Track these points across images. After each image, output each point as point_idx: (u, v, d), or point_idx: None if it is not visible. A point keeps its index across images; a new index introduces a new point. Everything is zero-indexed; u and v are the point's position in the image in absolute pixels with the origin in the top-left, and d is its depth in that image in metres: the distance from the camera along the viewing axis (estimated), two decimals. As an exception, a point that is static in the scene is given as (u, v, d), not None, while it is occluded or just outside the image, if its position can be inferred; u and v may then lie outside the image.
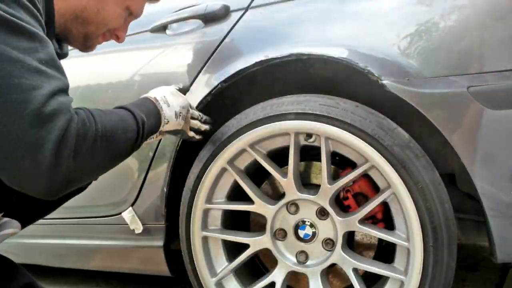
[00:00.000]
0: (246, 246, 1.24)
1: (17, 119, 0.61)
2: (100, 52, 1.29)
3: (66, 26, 0.94)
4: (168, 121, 1.03)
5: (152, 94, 1.04)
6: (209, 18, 1.31)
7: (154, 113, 0.98)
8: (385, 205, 1.14)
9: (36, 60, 0.65)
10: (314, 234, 1.19)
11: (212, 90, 1.24)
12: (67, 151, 0.65)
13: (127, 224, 1.43)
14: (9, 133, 0.61)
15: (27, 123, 0.61)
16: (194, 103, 1.27)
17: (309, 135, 1.15)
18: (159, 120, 1.00)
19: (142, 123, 0.88)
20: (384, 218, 1.21)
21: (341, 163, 1.31)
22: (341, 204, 1.21)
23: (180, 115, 1.08)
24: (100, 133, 0.72)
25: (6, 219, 0.89)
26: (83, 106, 0.76)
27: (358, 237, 1.37)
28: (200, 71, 1.29)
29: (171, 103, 1.04)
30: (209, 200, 1.26)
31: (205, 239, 1.28)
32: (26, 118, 0.61)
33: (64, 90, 0.69)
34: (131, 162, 1.40)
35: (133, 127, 0.85)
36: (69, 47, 1.05)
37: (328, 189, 1.13)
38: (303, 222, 1.20)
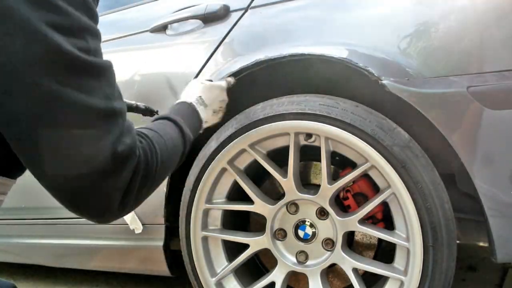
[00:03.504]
0: (246, 246, 1.24)
1: (86, 172, 0.56)
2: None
3: None
4: (207, 121, 1.01)
5: (188, 97, 1.00)
6: (209, 18, 1.31)
7: (195, 122, 0.96)
8: (385, 205, 1.14)
9: (103, 99, 0.56)
10: (314, 234, 1.19)
11: (212, 90, 1.24)
12: (132, 196, 0.63)
13: (127, 224, 1.43)
14: (78, 181, 0.56)
15: (95, 177, 0.56)
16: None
17: (309, 135, 1.15)
18: (199, 126, 0.98)
19: (189, 141, 0.86)
20: (384, 218, 1.21)
21: (341, 163, 1.31)
22: (341, 204, 1.21)
23: (219, 111, 1.06)
24: (159, 167, 0.69)
25: None
26: (143, 130, 0.71)
27: (358, 237, 1.37)
28: (200, 71, 1.29)
29: (208, 102, 1.02)
30: (209, 200, 1.26)
31: (205, 239, 1.28)
32: (94, 173, 0.56)
33: (124, 119, 0.62)
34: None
35: (181, 149, 0.82)
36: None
37: (328, 189, 1.13)
38: (303, 222, 1.20)
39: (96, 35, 0.58)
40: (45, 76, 0.50)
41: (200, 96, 1.00)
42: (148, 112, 1.21)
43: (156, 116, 0.89)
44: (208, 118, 1.01)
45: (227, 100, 1.11)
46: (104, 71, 0.58)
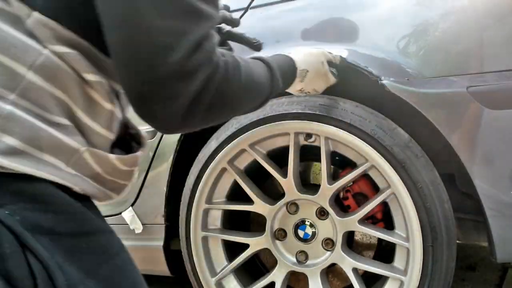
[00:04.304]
0: (246, 246, 1.25)
1: (156, 66, 0.53)
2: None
3: None
4: (301, 87, 0.95)
5: (297, 57, 0.92)
6: (209, 18, 1.30)
7: (289, 74, 0.88)
8: (385, 205, 1.14)
9: None
10: (314, 234, 1.19)
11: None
12: (202, 107, 0.59)
13: (127, 224, 1.43)
14: (144, 78, 0.54)
15: (166, 73, 0.54)
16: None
17: (309, 135, 1.15)
18: (291, 80, 0.90)
19: (277, 86, 0.79)
20: (383, 218, 1.21)
21: (341, 163, 1.31)
22: (341, 204, 1.21)
23: (308, 92, 0.99)
24: (238, 88, 0.64)
25: None
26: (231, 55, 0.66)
27: (358, 237, 1.37)
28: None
29: (307, 80, 0.94)
30: (209, 200, 1.26)
31: (205, 239, 1.28)
32: (166, 67, 0.53)
33: (212, 29, 0.59)
34: (131, 162, 1.40)
35: (266, 88, 0.76)
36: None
37: (328, 189, 1.13)
38: (303, 222, 1.20)
39: None
40: None
41: (307, 71, 0.93)
42: (251, 43, 1.09)
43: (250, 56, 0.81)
44: (299, 86, 0.95)
45: (319, 93, 1.03)
46: None
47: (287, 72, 0.88)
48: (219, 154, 1.20)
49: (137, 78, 0.54)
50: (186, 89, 0.56)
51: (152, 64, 0.53)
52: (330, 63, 1.02)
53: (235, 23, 1.06)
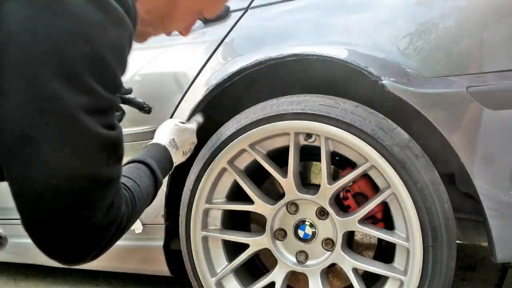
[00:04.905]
0: (246, 246, 1.25)
1: (78, 231, 0.59)
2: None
3: None
4: (175, 162, 1.06)
5: (163, 138, 1.04)
6: (209, 19, 1.31)
7: (167, 165, 1.00)
8: (385, 205, 1.14)
9: (104, 167, 0.59)
10: (314, 234, 1.19)
11: (212, 90, 1.24)
12: (108, 244, 0.67)
13: (127, 224, 1.42)
14: (68, 238, 0.60)
15: (84, 232, 0.60)
16: (194, 103, 1.27)
17: (309, 135, 1.15)
18: (170, 168, 1.02)
19: (160, 186, 0.89)
20: (384, 218, 1.21)
21: (341, 163, 1.31)
22: (341, 204, 1.21)
23: (188, 152, 1.12)
24: (133, 217, 0.73)
25: None
26: (124, 181, 0.74)
27: (358, 237, 1.37)
28: (200, 71, 1.29)
29: (179, 144, 1.06)
30: (209, 200, 1.26)
31: (205, 239, 1.28)
32: (85, 229, 0.60)
33: (119, 182, 0.65)
34: (131, 162, 1.40)
35: (152, 195, 0.85)
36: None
37: (328, 189, 1.13)
38: (303, 222, 1.20)
39: (116, 107, 0.62)
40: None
41: (173, 139, 1.05)
42: (142, 108, 1.19)
43: (132, 158, 0.89)
44: (177, 159, 1.06)
45: (196, 142, 1.15)
46: (115, 143, 0.61)
47: (166, 166, 0.99)
48: (219, 154, 1.20)
49: (60, 240, 0.59)
50: (101, 240, 0.64)
51: (73, 232, 0.59)
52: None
53: (128, 91, 1.17)
